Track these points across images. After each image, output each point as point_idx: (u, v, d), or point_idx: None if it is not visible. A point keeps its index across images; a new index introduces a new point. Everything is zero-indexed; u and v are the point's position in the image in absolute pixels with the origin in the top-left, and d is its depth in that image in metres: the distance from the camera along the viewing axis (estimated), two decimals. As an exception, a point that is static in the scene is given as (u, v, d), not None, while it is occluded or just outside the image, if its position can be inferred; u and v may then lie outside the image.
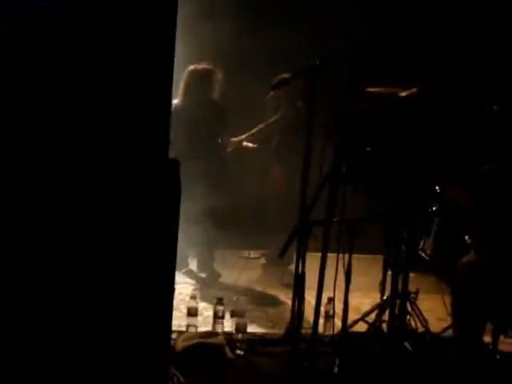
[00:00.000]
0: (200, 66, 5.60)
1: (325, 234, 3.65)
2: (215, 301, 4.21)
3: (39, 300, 2.83)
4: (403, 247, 3.96)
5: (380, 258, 4.36)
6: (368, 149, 3.70)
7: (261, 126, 5.91)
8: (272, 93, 5.83)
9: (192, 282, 5.59)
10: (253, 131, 5.89)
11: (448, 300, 3.96)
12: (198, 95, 5.56)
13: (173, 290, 3.23)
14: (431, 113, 4.08)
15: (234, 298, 4.41)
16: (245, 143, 5.85)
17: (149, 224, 3.09)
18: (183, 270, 5.66)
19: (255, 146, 5.91)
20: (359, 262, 4.17)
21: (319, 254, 3.71)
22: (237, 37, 6.13)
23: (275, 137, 5.93)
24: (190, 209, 5.32)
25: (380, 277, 4.29)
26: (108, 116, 3.02)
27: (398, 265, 3.96)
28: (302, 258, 3.87)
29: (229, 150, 5.77)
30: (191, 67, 5.59)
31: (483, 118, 3.95)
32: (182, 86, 5.57)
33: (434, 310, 4.58)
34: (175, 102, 5.56)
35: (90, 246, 3.01)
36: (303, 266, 3.87)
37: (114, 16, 2.86)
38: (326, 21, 6.32)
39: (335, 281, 3.71)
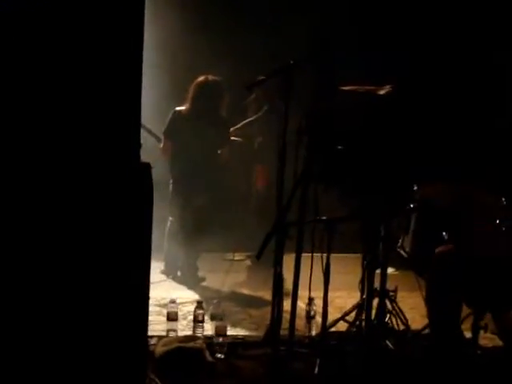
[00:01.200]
0: (211, 77, 5.55)
1: (299, 233, 3.63)
2: (195, 305, 4.20)
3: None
4: (381, 245, 3.95)
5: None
6: (339, 147, 3.67)
7: (245, 121, 5.91)
8: (253, 95, 5.83)
9: (176, 285, 5.57)
10: (238, 126, 5.89)
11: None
12: (206, 106, 5.49)
13: (147, 294, 3.21)
14: (407, 111, 4.06)
15: (214, 301, 4.38)
16: (232, 137, 5.82)
17: (121, 228, 3.07)
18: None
19: (241, 140, 5.91)
20: (341, 261, 4.15)
21: (304, 255, 3.72)
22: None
23: (257, 138, 5.92)
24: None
25: (363, 276, 4.26)
26: (77, 121, 3.00)
27: (377, 263, 3.94)
28: (279, 259, 3.86)
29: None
30: (202, 78, 5.54)
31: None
32: (190, 95, 5.53)
33: (417, 308, 4.57)
34: (182, 108, 5.55)
35: (62, 250, 2.99)
36: (281, 267, 3.85)
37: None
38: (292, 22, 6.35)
39: (310, 280, 3.71)
